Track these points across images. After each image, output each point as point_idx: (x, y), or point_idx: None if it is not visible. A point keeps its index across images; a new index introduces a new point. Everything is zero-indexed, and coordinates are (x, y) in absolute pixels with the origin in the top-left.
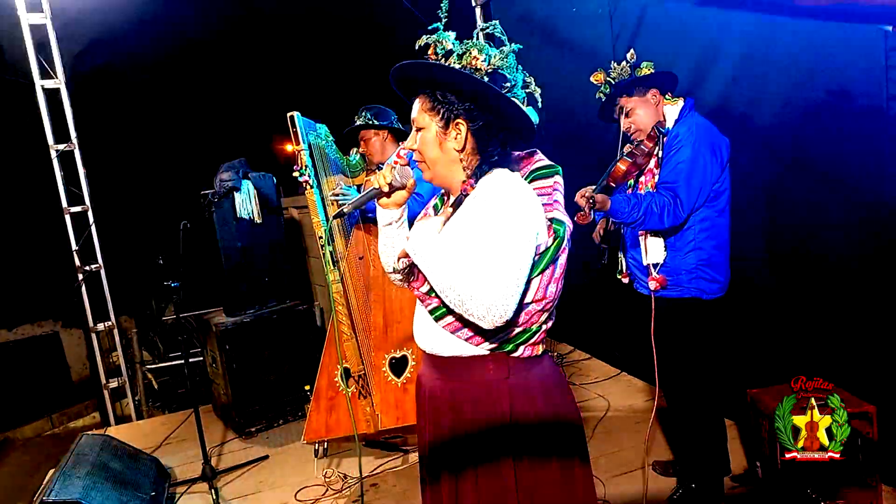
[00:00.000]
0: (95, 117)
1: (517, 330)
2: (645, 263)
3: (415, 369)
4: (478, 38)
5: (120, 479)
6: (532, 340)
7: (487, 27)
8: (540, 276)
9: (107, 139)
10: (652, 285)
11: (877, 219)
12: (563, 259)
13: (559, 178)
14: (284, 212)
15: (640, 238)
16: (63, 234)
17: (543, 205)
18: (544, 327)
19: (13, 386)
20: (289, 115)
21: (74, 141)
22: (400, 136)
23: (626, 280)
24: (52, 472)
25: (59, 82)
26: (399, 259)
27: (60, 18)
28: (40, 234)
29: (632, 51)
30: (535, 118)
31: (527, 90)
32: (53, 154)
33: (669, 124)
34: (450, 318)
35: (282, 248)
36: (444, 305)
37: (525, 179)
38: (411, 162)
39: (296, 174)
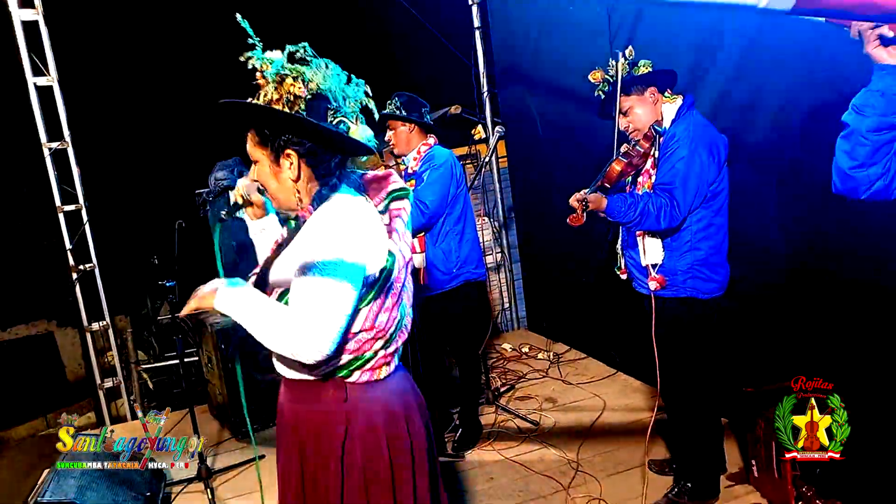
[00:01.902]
0: (89, 115)
1: (348, 357)
2: (644, 264)
3: None
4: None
5: (115, 479)
6: (368, 366)
7: (297, 50)
8: (369, 306)
9: (101, 137)
10: (652, 285)
11: (875, 221)
12: (397, 287)
13: (407, 203)
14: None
15: (637, 238)
16: (57, 233)
17: (384, 230)
18: (382, 353)
19: (7, 386)
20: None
21: (68, 139)
22: (427, 129)
23: (623, 276)
24: (46, 471)
25: (52, 80)
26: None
27: (53, 15)
28: (34, 233)
29: (630, 48)
30: (366, 136)
31: (354, 108)
32: (46, 152)
33: (667, 123)
34: None
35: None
36: None
37: (385, 200)
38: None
39: None
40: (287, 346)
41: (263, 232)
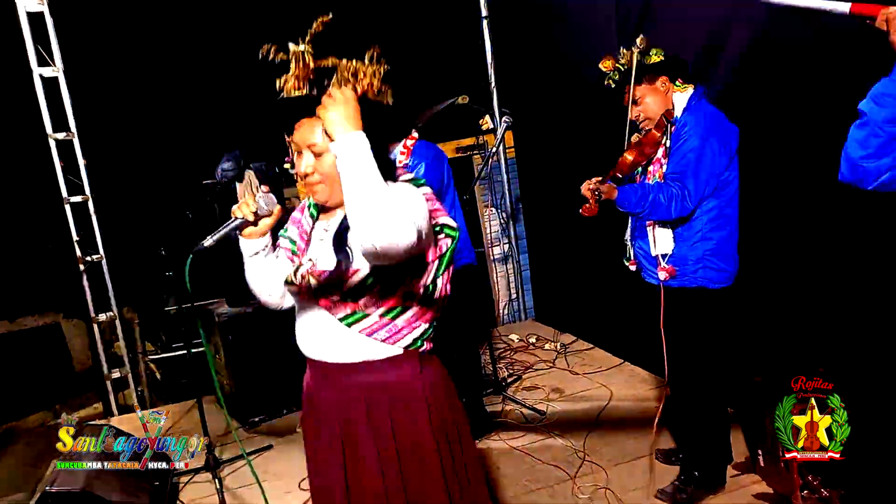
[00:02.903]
0: (95, 106)
1: (426, 326)
2: (654, 254)
3: None
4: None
5: (123, 470)
6: (431, 335)
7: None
8: (443, 275)
9: (107, 128)
10: (662, 275)
11: (881, 213)
12: (451, 266)
13: (428, 189)
14: (287, 201)
15: (647, 228)
16: (64, 224)
17: (431, 210)
18: (435, 324)
19: (15, 377)
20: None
21: (73, 130)
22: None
23: (633, 267)
24: (54, 462)
25: (57, 70)
26: (301, 273)
27: (59, 5)
28: (41, 224)
29: (642, 36)
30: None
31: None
32: (52, 143)
33: (678, 112)
34: (366, 322)
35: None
36: (358, 311)
37: None
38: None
39: (287, 165)
40: (396, 213)
41: (255, 256)
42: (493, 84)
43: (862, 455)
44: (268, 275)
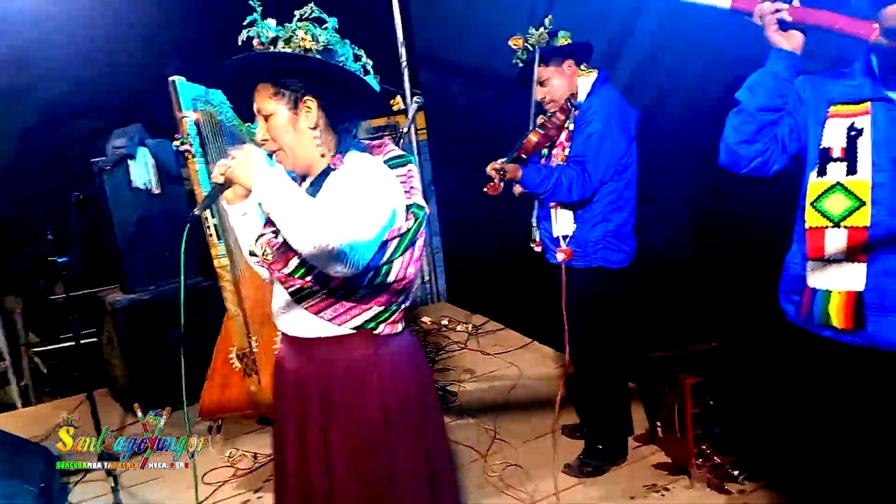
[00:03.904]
0: None
1: (379, 309)
2: (555, 235)
3: None
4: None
5: (3, 472)
6: (392, 319)
7: (305, 12)
8: (401, 257)
9: None
10: (560, 256)
11: (762, 198)
12: (420, 243)
13: (413, 167)
14: (187, 182)
15: (551, 210)
16: None
17: (406, 191)
18: (403, 306)
19: None
20: (170, 79)
21: None
22: None
23: (538, 248)
24: None
25: None
26: (260, 243)
27: None
28: None
29: (549, 17)
30: (376, 87)
31: (359, 62)
32: None
33: (582, 96)
34: (313, 300)
35: (184, 221)
36: (306, 287)
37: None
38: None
39: (176, 143)
40: (328, 241)
41: (245, 216)
42: (404, 64)
43: (749, 423)
44: (252, 236)
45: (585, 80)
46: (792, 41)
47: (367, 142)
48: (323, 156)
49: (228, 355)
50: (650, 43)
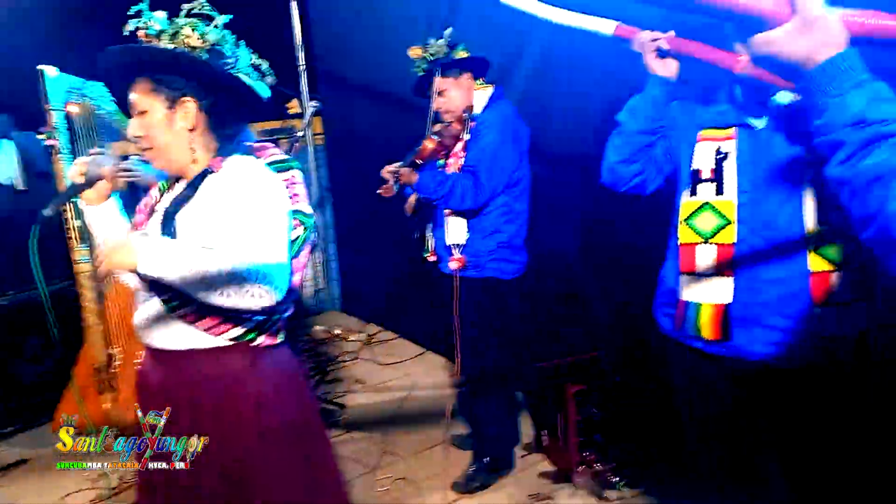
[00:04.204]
0: None
1: (259, 319)
2: (448, 244)
3: None
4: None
5: None
6: (272, 329)
7: (194, 6)
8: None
9: None
10: (452, 265)
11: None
12: (306, 251)
13: (296, 172)
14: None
15: (445, 219)
16: None
17: (291, 196)
18: (285, 315)
19: None
20: (38, 68)
21: None
22: None
23: (432, 258)
24: None
25: None
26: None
27: None
28: None
29: (450, 29)
30: (265, 93)
31: (250, 64)
32: None
33: (478, 109)
34: (187, 309)
35: (53, 221)
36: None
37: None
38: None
39: (41, 136)
40: (246, 290)
41: (106, 219)
42: (302, 67)
43: (629, 431)
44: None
45: (482, 94)
46: (668, 68)
47: (249, 144)
48: (195, 161)
49: (91, 367)
50: (541, 61)
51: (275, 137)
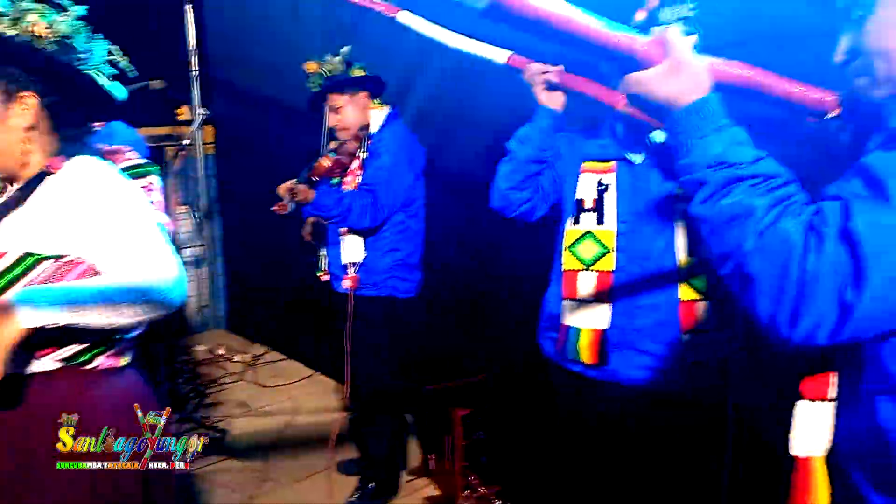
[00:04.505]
0: None
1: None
2: (343, 262)
3: None
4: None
5: None
6: (114, 350)
7: None
8: None
9: None
10: (346, 284)
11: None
12: None
13: (154, 178)
14: None
15: (340, 237)
16: None
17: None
18: (133, 334)
19: None
20: None
21: None
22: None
23: (325, 278)
24: None
25: None
26: None
27: None
28: None
29: (347, 47)
30: (121, 94)
31: (109, 61)
32: None
33: (374, 128)
34: None
35: None
36: None
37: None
38: None
39: None
40: (150, 304)
41: None
42: (195, 73)
43: (514, 453)
44: None
45: (378, 114)
46: (556, 101)
47: (100, 146)
48: (25, 165)
49: None
50: (436, 85)
51: (162, 144)
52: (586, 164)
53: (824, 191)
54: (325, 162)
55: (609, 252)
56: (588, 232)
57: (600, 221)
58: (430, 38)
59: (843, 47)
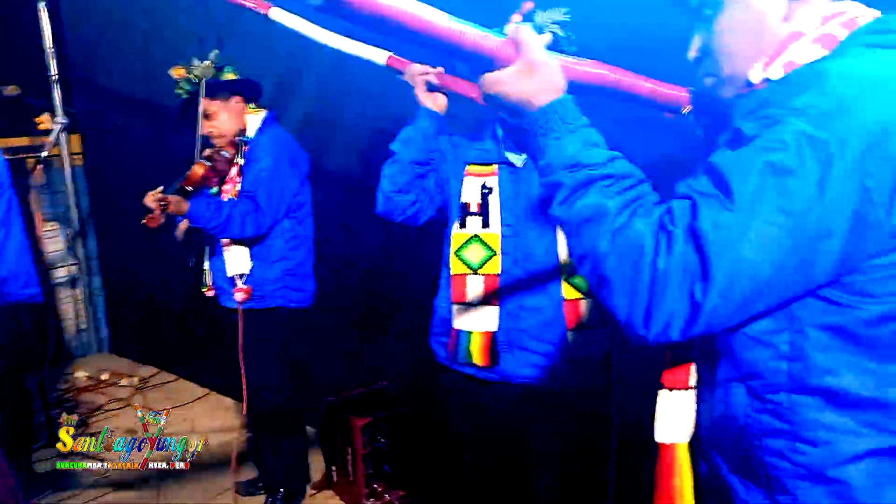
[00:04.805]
0: None
1: None
2: (229, 275)
3: None
4: None
5: None
6: None
7: None
8: None
9: None
10: (238, 297)
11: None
12: None
13: None
14: None
15: (223, 249)
16: None
17: None
18: None
19: None
20: None
21: None
22: None
23: (211, 293)
24: None
25: None
26: None
27: None
28: None
29: (217, 51)
30: None
31: None
32: None
33: (251, 133)
34: None
35: None
36: None
37: None
38: None
39: None
40: None
41: None
42: (55, 78)
43: (416, 458)
44: None
45: (254, 118)
46: (437, 102)
47: None
48: None
49: None
50: (316, 86)
51: (21, 156)
52: (470, 168)
53: (675, 188)
54: (199, 170)
55: (495, 255)
56: (475, 236)
57: (485, 225)
58: (306, 36)
59: (696, 45)
